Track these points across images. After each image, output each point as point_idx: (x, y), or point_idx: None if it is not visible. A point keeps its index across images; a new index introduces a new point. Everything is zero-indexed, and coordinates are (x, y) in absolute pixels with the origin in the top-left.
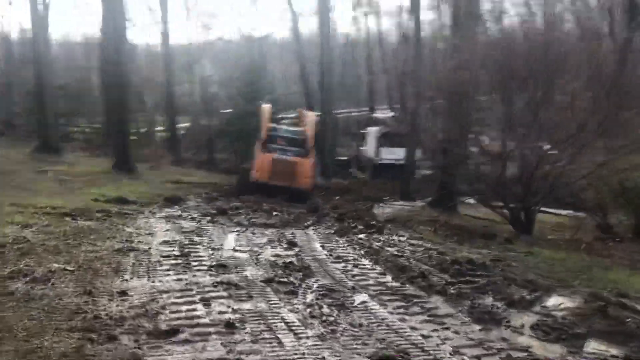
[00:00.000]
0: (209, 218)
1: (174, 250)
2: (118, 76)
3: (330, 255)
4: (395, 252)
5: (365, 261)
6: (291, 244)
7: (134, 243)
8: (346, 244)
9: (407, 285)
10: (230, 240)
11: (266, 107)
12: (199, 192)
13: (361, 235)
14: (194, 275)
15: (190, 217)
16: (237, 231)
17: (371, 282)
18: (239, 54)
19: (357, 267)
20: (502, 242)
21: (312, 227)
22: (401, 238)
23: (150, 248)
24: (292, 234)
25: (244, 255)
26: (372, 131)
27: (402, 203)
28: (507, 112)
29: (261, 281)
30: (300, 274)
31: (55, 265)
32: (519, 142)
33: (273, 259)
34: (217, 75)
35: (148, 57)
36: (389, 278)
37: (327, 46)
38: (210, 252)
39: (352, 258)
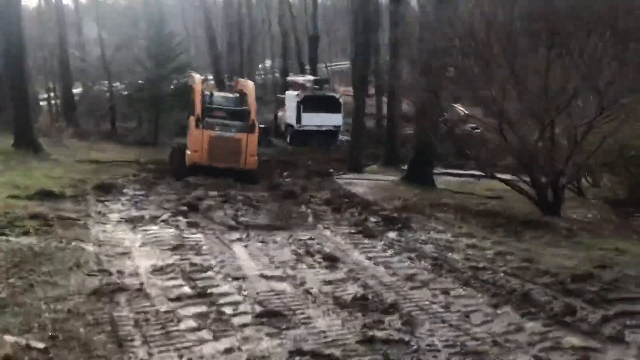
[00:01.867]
0: (181, 219)
1: (181, 286)
2: (14, 36)
3: (395, 274)
4: (469, 262)
5: (448, 283)
6: (329, 259)
7: (113, 275)
8: (391, 251)
9: (563, 331)
10: (244, 257)
11: (197, 76)
12: (125, 173)
13: (391, 235)
14: (245, 338)
15: (153, 217)
16: (238, 240)
17: (513, 332)
18: (133, 13)
19: (456, 300)
20: (543, 229)
21: (321, 224)
22: (441, 235)
23: (142, 284)
24: (311, 238)
25: (285, 287)
26: (291, 96)
27: (365, 177)
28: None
29: (357, 342)
30: (399, 320)
31: (8, 341)
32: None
33: (328, 289)
34: (114, 37)
35: (33, 16)
36: (527, 322)
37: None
38: (235, 283)
39: (427, 278)
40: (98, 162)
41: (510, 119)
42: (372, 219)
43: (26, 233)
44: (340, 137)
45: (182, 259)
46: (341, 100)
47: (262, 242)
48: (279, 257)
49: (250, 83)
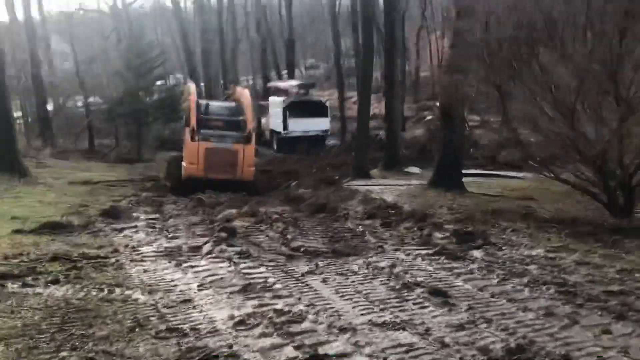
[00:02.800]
0: (226, 247)
1: (283, 346)
2: None
3: (528, 309)
4: (599, 286)
5: (599, 318)
6: (436, 294)
7: (189, 336)
8: (494, 276)
9: None
10: (332, 297)
11: (192, 86)
12: (123, 194)
13: (477, 254)
14: None
15: (193, 248)
16: (310, 273)
17: None
18: (102, 27)
19: (624, 340)
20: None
21: (386, 245)
22: (534, 251)
23: (232, 347)
24: (392, 265)
25: (410, 337)
26: (276, 102)
27: (378, 182)
28: None
29: None
30: None
31: None
32: None
33: (464, 337)
34: (84, 51)
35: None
36: None
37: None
38: (346, 337)
39: (569, 313)
40: (90, 183)
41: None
42: (438, 235)
43: (56, 281)
44: (328, 141)
45: (262, 305)
46: (328, 104)
47: (339, 274)
48: (374, 294)
49: (247, 92)
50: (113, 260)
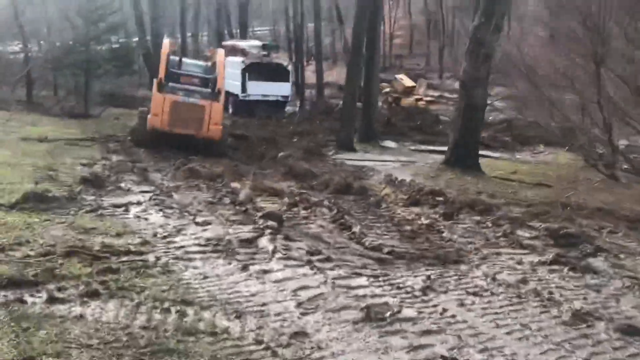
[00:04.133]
0: (287, 244)
1: None
2: None
3: None
4: None
5: None
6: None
7: None
8: None
9: None
10: (509, 341)
11: (166, 41)
12: (91, 157)
13: (600, 264)
14: None
15: (244, 241)
16: (429, 289)
17: None
18: None
19: None
20: None
21: (471, 246)
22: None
23: None
24: (523, 280)
25: None
26: (234, 63)
27: (372, 158)
28: None
29: None
30: None
31: None
32: None
33: None
34: None
35: None
36: None
37: None
38: None
39: None
40: (48, 141)
41: None
42: (524, 233)
43: (94, 294)
44: (288, 108)
45: (417, 348)
46: (290, 68)
47: (469, 292)
48: (549, 331)
49: (221, 50)
50: (152, 257)
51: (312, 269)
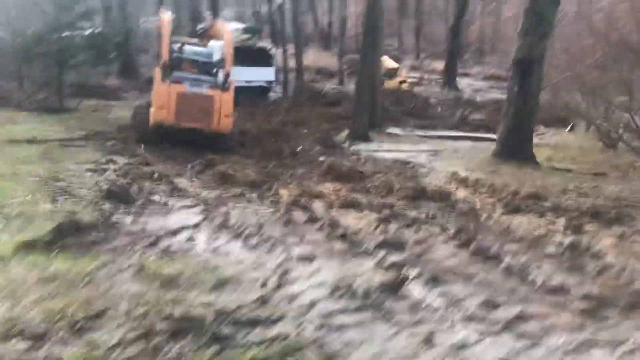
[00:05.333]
0: (450, 292)
1: None
2: None
3: None
4: None
5: None
6: None
7: None
8: None
9: None
10: None
11: (166, 17)
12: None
13: None
14: None
15: (383, 287)
16: None
17: None
18: None
19: None
20: None
21: None
22: None
23: None
24: None
25: None
26: (215, 46)
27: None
28: None
29: None
30: None
31: None
32: None
33: None
34: None
35: None
36: None
37: None
38: None
39: None
40: (37, 142)
41: None
42: None
43: None
44: (272, 94)
45: None
46: (273, 52)
47: None
48: None
49: (228, 27)
50: (290, 329)
51: (518, 336)
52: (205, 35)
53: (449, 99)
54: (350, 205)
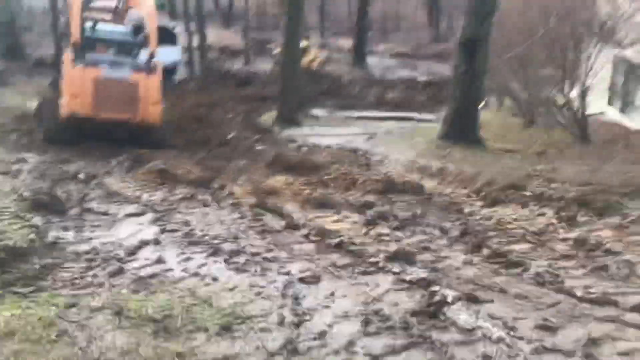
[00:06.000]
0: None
1: None
2: None
3: None
4: None
5: None
6: None
7: None
8: None
9: None
10: None
11: None
12: None
13: None
14: None
15: (416, 317)
16: None
17: None
18: None
19: None
20: None
21: None
22: None
23: None
24: None
25: None
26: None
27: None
28: None
29: None
30: None
31: None
32: None
33: None
34: None
35: None
36: None
37: None
38: None
39: None
40: None
41: None
42: None
43: None
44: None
45: None
46: (177, 31)
47: None
48: None
49: (150, 1)
50: None
51: None
52: (120, 11)
53: (361, 77)
54: (321, 204)
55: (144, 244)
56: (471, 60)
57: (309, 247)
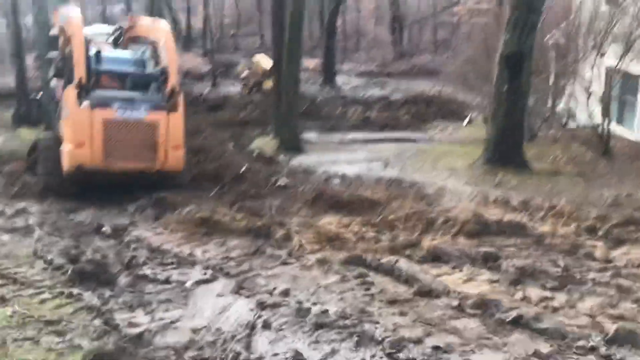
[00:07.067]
0: None
1: None
2: None
3: None
4: None
5: None
6: None
7: None
8: None
9: None
10: None
11: (75, 15)
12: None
13: None
14: None
15: None
16: None
17: None
18: None
19: None
20: None
21: None
22: None
23: None
24: None
25: None
26: None
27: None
28: None
29: None
30: None
31: None
32: None
33: None
34: None
35: None
36: None
37: None
38: None
39: None
40: None
41: None
42: None
43: None
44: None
45: None
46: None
47: None
48: None
49: (164, 24)
50: None
51: None
52: (123, 40)
53: (333, 97)
54: (431, 256)
55: (250, 329)
56: (515, 77)
57: (473, 324)
